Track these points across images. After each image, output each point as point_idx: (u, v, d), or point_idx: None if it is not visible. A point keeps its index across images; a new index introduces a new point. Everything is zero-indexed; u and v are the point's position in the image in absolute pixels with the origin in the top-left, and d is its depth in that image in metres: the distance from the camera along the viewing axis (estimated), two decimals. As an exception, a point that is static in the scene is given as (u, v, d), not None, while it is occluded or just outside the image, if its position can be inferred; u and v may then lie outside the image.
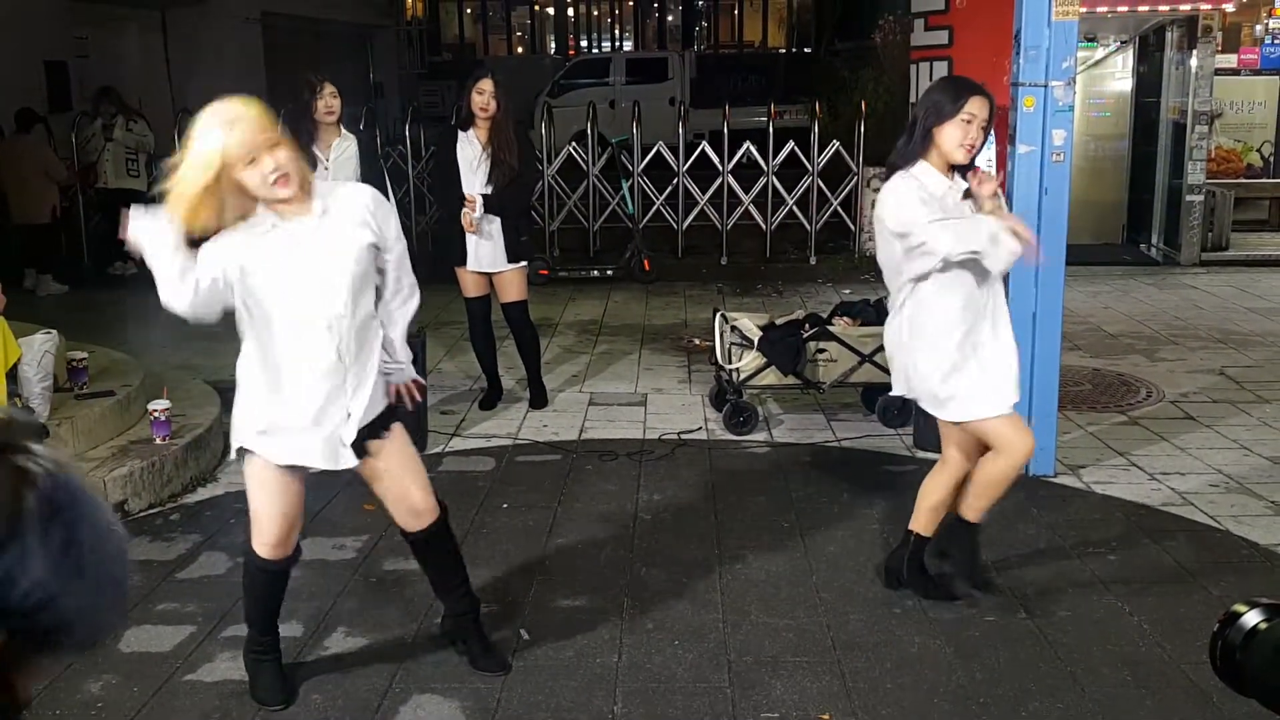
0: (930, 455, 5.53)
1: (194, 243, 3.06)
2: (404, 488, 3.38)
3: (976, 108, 3.57)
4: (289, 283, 3.09)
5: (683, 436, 5.91)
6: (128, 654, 3.74)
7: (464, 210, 5.82)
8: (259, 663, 3.48)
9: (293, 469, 3.24)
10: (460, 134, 5.92)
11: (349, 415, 3.20)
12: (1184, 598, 4.06)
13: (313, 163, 5.87)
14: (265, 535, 3.29)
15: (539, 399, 6.46)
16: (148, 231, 3.10)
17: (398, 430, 3.36)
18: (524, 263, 6.15)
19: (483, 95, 5.80)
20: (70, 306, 9.43)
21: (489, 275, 6.10)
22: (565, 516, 4.85)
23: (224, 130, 2.89)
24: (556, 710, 3.39)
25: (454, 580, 3.59)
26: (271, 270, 3.08)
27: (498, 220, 5.93)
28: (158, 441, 5.26)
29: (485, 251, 5.98)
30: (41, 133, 10.42)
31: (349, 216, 3.16)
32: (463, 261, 6.00)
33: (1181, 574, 4.25)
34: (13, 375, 4.83)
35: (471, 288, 6.15)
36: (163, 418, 5.29)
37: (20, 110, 10.39)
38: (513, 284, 6.13)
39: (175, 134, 11.46)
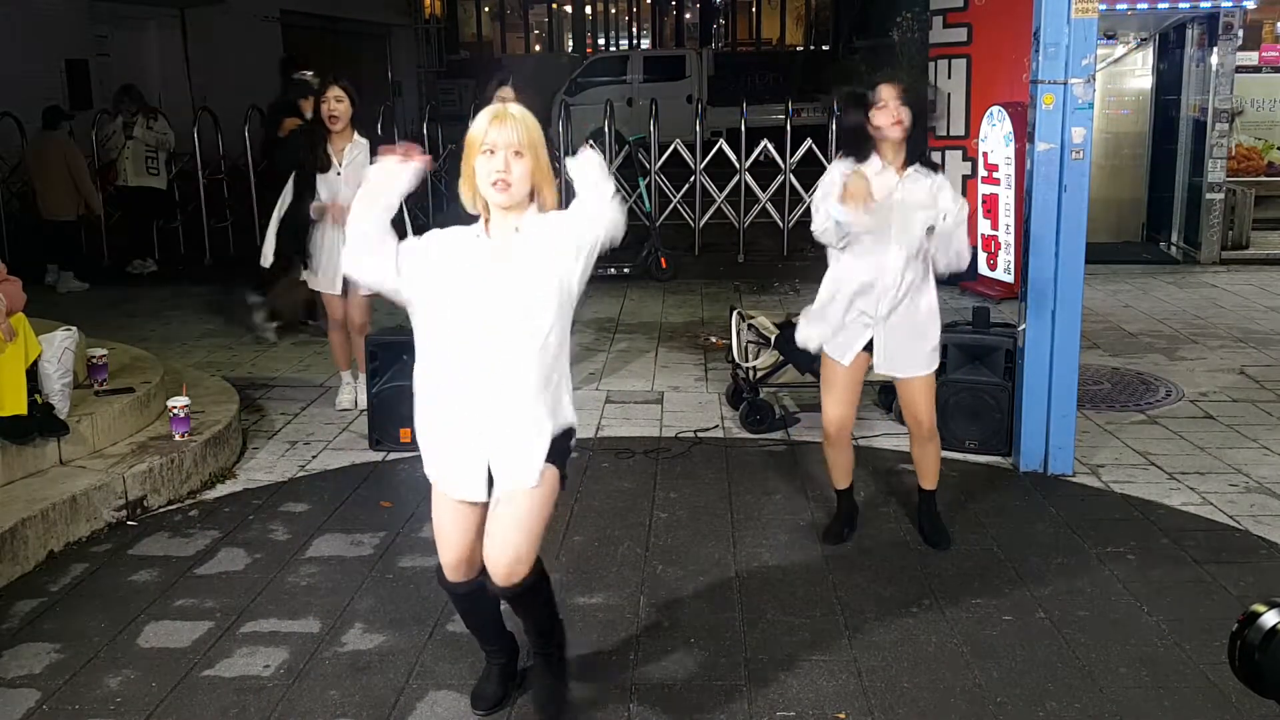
0: (947, 453, 5.52)
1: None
2: (494, 536, 3.07)
3: (886, 91, 4.07)
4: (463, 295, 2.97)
5: (699, 435, 5.91)
6: (146, 649, 3.76)
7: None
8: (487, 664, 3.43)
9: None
10: None
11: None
12: (1203, 598, 4.04)
13: (325, 166, 5.89)
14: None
15: None
16: (386, 174, 3.02)
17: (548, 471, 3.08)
18: None
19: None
20: (90, 304, 9.50)
21: None
22: (582, 514, 4.86)
23: (486, 117, 2.91)
24: (572, 707, 3.39)
25: (535, 637, 3.34)
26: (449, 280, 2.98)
27: None
28: (177, 438, 5.29)
29: None
30: (65, 131, 10.49)
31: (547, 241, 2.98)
32: None
33: (1200, 574, 4.23)
34: (33, 372, 4.86)
35: None
36: (182, 414, 5.32)
37: (48, 108, 10.47)
38: None
39: (195, 132, 11.59)
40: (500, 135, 2.88)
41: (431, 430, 3.10)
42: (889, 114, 4.06)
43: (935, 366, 4.34)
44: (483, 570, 3.13)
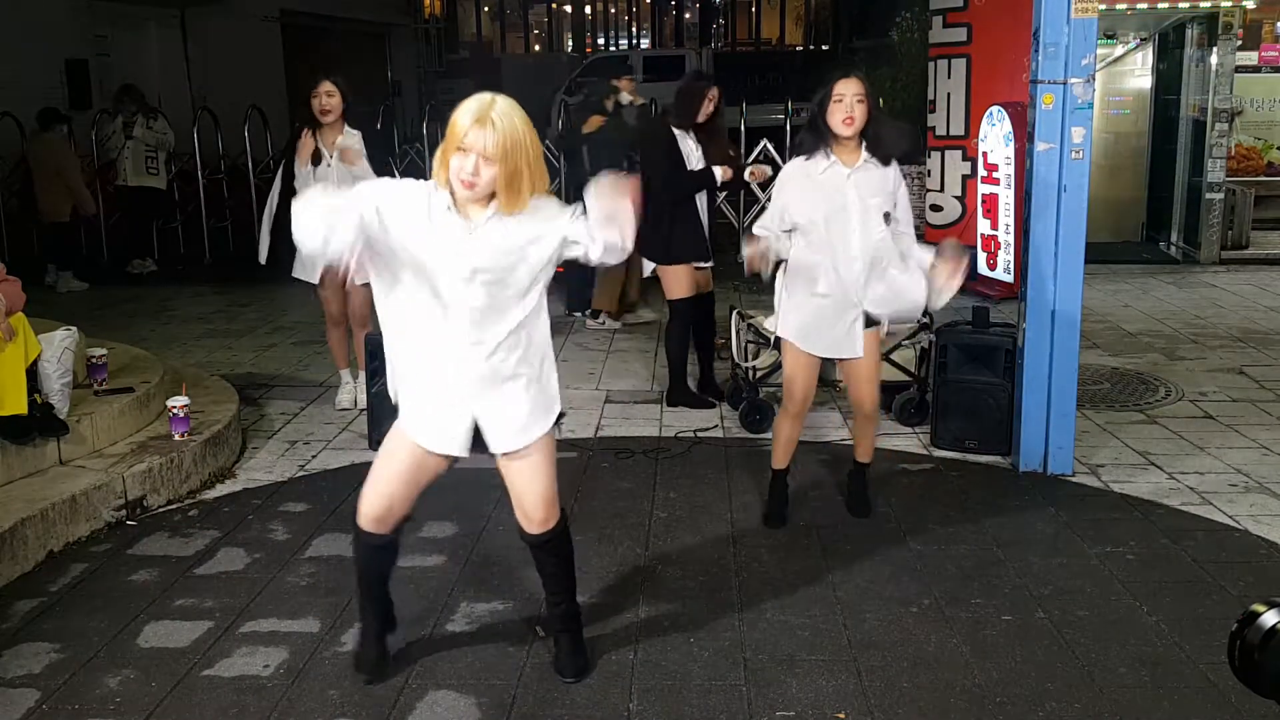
0: (947, 453, 5.53)
1: None
2: (521, 490, 3.39)
3: (843, 87, 4.15)
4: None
5: (699, 434, 5.91)
6: (146, 649, 3.76)
7: None
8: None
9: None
10: None
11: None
12: (1202, 598, 4.04)
13: (317, 158, 5.92)
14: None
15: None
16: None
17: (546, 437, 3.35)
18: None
19: None
20: (90, 304, 9.50)
21: None
22: (581, 514, 4.86)
23: (470, 115, 2.98)
24: (572, 708, 3.39)
25: (559, 586, 3.57)
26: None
27: None
28: (176, 438, 5.29)
29: None
30: (60, 132, 10.49)
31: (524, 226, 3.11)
32: None
33: (1200, 574, 4.23)
34: (33, 372, 4.86)
35: None
36: (182, 414, 5.32)
37: (42, 110, 10.48)
38: None
39: (194, 132, 11.60)
40: (476, 139, 2.96)
41: (412, 386, 3.25)
42: (842, 110, 4.15)
43: (883, 335, 4.56)
44: (397, 527, 3.42)
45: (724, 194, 6.08)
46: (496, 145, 2.95)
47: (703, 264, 6.22)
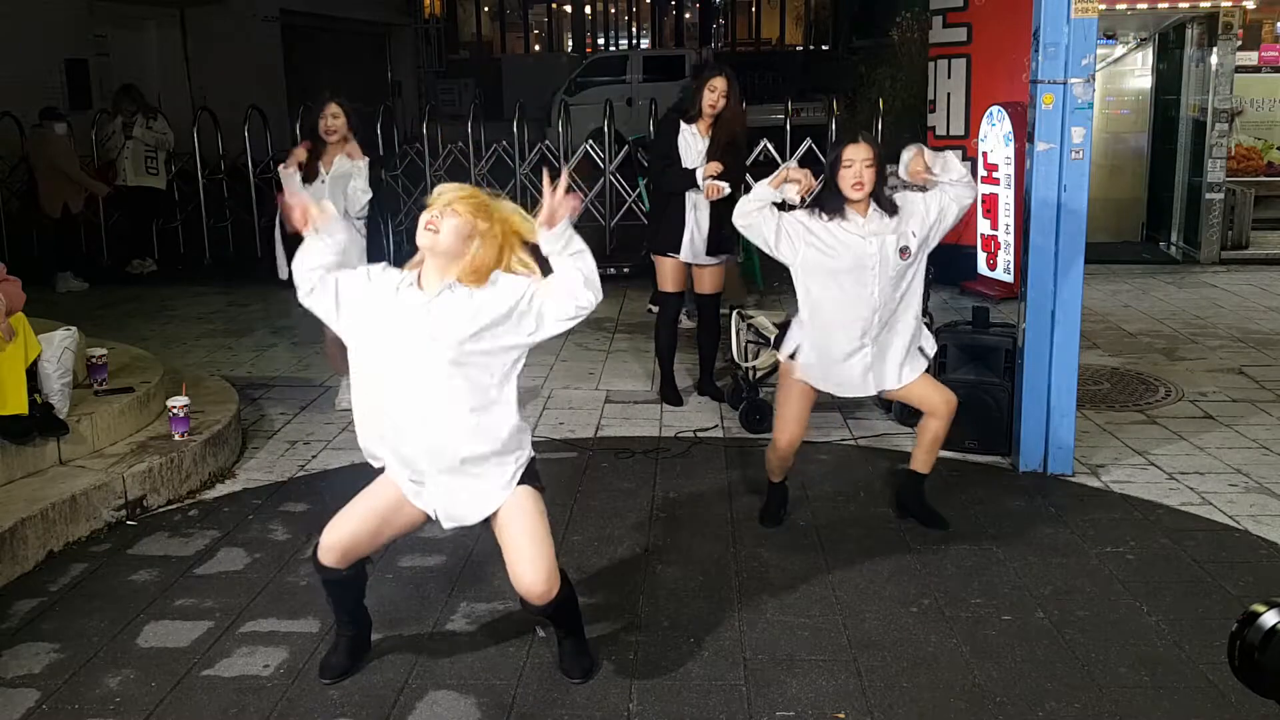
0: (947, 453, 5.52)
1: None
2: (512, 559, 3.31)
3: (852, 153, 4.24)
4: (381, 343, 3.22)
5: (699, 434, 5.91)
6: (146, 649, 3.76)
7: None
8: None
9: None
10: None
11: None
12: (1202, 598, 4.04)
13: (312, 176, 5.90)
14: None
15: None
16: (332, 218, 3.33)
17: (522, 493, 3.31)
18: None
19: None
20: (90, 304, 9.50)
21: None
22: (581, 514, 4.86)
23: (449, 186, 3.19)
24: (571, 707, 3.39)
25: (572, 633, 3.57)
26: (371, 326, 3.21)
27: None
28: (176, 438, 5.29)
29: None
30: (54, 129, 10.46)
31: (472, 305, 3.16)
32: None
33: (1200, 574, 4.23)
34: (33, 372, 4.86)
35: None
36: (182, 414, 5.32)
37: (44, 108, 10.50)
38: None
39: (194, 132, 11.60)
40: (444, 192, 3.13)
41: (379, 444, 3.33)
42: (853, 174, 4.24)
43: (930, 358, 4.57)
44: (354, 564, 3.39)
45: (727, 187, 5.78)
46: (464, 199, 3.11)
47: (700, 261, 6.15)
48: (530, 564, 3.24)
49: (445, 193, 3.14)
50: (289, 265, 6.03)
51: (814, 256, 4.33)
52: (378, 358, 3.19)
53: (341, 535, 3.32)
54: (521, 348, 3.20)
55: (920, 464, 4.64)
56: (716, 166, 5.89)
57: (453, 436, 3.18)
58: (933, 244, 4.41)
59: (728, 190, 5.84)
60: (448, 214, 3.08)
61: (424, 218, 3.09)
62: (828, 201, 4.33)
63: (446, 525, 3.35)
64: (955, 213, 4.36)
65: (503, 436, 3.24)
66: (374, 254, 5.41)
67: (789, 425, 4.58)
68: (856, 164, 4.24)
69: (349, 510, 3.36)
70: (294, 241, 3.38)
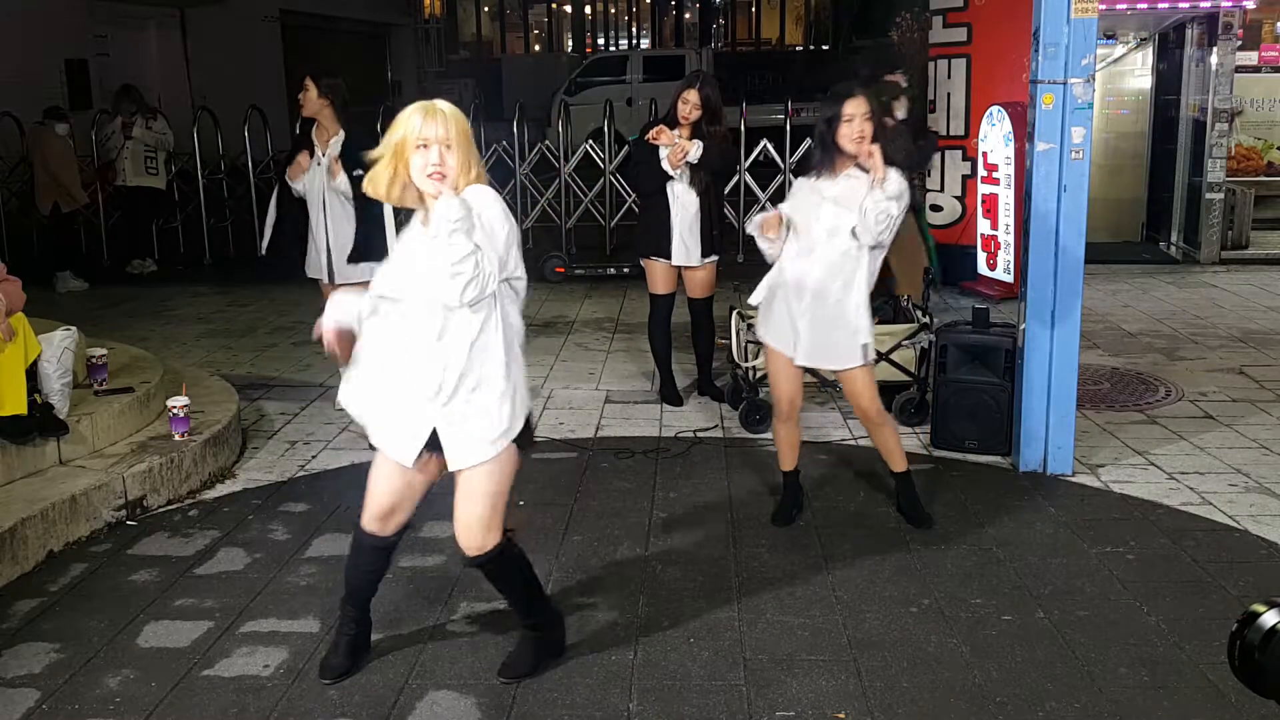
0: (947, 453, 5.53)
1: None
2: (457, 509, 3.37)
3: (852, 107, 4.25)
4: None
5: (699, 435, 5.91)
6: (146, 649, 3.76)
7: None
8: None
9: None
10: None
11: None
12: (1202, 598, 4.04)
13: (311, 151, 5.88)
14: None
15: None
16: (343, 311, 3.35)
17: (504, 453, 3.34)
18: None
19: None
20: (90, 304, 9.50)
21: None
22: (581, 514, 4.86)
23: (418, 114, 3.10)
24: (572, 707, 3.39)
25: (513, 604, 3.62)
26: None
27: None
28: (176, 438, 5.29)
29: None
30: (54, 127, 10.47)
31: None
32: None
33: (1200, 574, 4.23)
34: (33, 372, 4.86)
35: None
36: (182, 414, 5.32)
37: (48, 108, 10.51)
38: None
39: (194, 132, 11.60)
40: (433, 131, 3.08)
41: (377, 394, 3.31)
42: (854, 129, 4.26)
43: (870, 359, 4.49)
44: (398, 531, 3.48)
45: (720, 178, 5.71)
46: (454, 128, 3.10)
47: (693, 263, 6.13)
48: (474, 511, 3.31)
49: (430, 133, 3.08)
50: (303, 254, 6.08)
51: (797, 215, 4.43)
52: (408, 301, 3.20)
53: (377, 504, 3.41)
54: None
55: (893, 464, 4.70)
56: (669, 137, 5.90)
57: (473, 362, 3.19)
58: (872, 239, 4.30)
59: (694, 151, 5.87)
60: (448, 156, 3.09)
61: (426, 163, 3.07)
62: (823, 160, 4.37)
63: (455, 463, 3.29)
64: (873, 217, 4.26)
65: (500, 359, 3.24)
66: (374, 243, 5.37)
67: (777, 385, 4.62)
68: (857, 119, 4.26)
69: (375, 476, 3.41)
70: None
